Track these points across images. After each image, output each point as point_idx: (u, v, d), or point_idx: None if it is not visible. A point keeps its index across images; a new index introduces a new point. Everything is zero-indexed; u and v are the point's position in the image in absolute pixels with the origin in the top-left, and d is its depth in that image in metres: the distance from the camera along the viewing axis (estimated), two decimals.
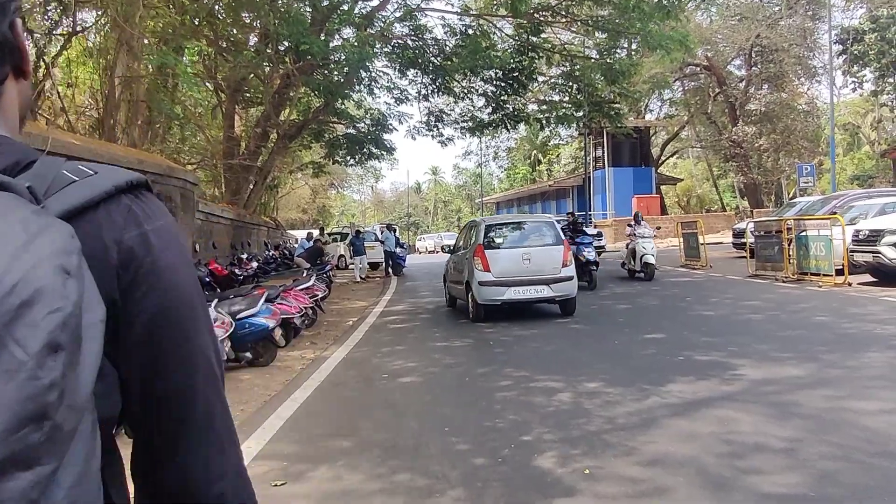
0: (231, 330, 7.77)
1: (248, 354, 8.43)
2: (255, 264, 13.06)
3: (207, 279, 9.78)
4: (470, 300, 11.70)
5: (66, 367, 0.57)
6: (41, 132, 7.96)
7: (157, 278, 0.74)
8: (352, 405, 6.55)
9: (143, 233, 0.74)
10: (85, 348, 0.60)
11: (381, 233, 25.15)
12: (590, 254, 15.06)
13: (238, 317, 8.16)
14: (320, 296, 11.98)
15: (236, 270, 11.65)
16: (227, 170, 23.70)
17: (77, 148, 8.23)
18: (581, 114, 26.87)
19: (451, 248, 14.93)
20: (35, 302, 0.56)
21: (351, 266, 25.63)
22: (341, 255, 30.93)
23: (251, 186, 24.90)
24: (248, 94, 24.75)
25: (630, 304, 12.82)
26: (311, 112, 24.83)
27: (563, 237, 12.30)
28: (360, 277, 21.99)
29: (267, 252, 16.43)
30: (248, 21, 20.87)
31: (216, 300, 7.92)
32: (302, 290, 11.52)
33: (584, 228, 16.80)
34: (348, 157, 30.35)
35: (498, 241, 12.09)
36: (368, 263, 29.06)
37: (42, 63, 11.96)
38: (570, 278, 11.47)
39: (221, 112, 24.09)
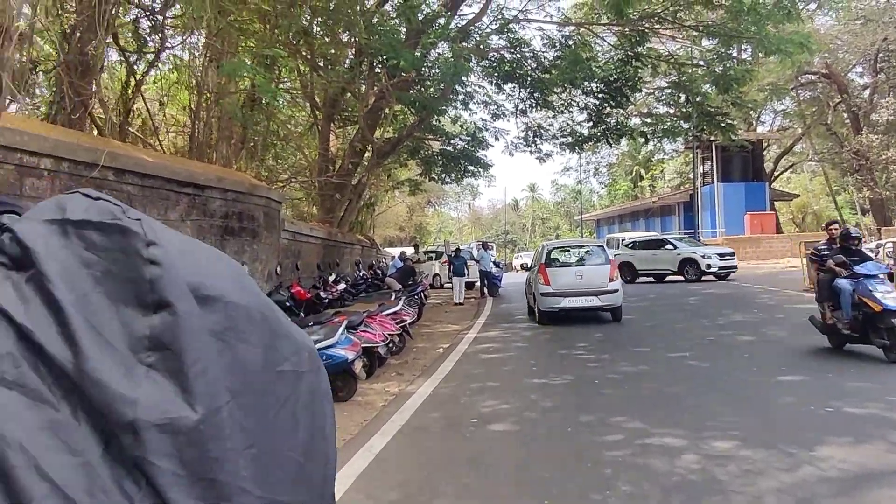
0: None
1: None
2: (342, 286, 12.44)
3: (288, 303, 9.16)
4: (536, 308, 14.58)
5: None
6: (115, 149, 7.56)
7: None
8: (434, 459, 5.63)
9: None
10: None
11: (476, 251, 24.29)
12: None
13: (317, 347, 7.42)
14: (409, 321, 11.19)
15: (321, 293, 11.04)
16: (322, 188, 23.55)
17: (151, 165, 7.78)
18: (689, 125, 25.28)
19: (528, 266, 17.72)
20: None
21: (447, 286, 24.85)
22: (436, 275, 30.30)
23: (345, 205, 24.66)
24: (343, 113, 24.60)
25: (753, 336, 11.36)
26: (406, 129, 24.38)
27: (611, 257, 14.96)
28: (459, 301, 20.81)
29: (357, 272, 15.85)
30: (343, 39, 20.65)
31: None
32: (389, 315, 10.76)
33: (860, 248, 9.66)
34: (444, 175, 29.81)
35: (557, 260, 15.05)
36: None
37: (132, 81, 11.80)
38: (616, 291, 14.00)
39: (317, 130, 23.95)
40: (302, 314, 10.53)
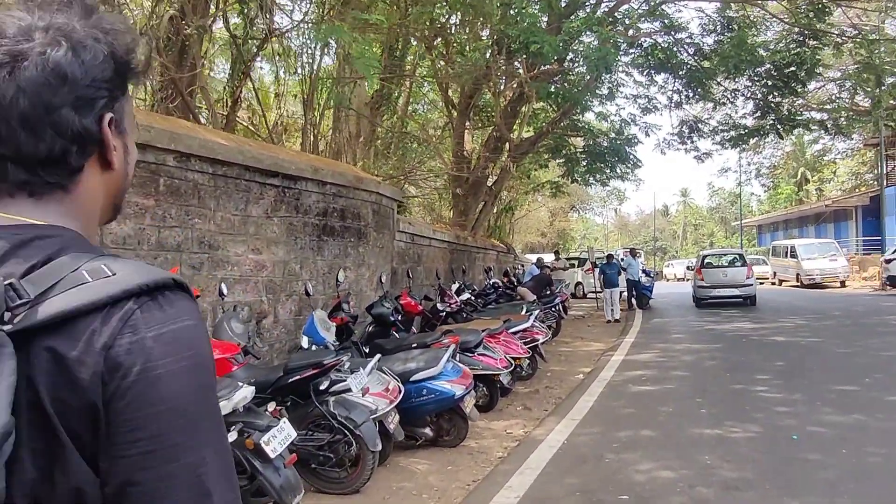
0: (398, 398, 5.40)
1: (428, 431, 6.00)
2: (465, 296, 10.78)
3: (392, 317, 7.59)
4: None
5: None
6: (177, 127, 6.29)
7: (146, 388, 0.72)
8: None
9: (137, 339, 0.73)
10: None
11: (623, 259, 21.92)
12: None
13: (412, 378, 5.77)
14: (541, 340, 9.32)
15: (438, 305, 9.42)
16: (455, 190, 22.13)
17: (225, 149, 6.44)
18: (880, 111, 21.57)
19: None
20: None
21: (595, 297, 22.55)
22: (578, 283, 28.06)
23: (480, 207, 23.09)
24: (480, 111, 23.08)
25: None
26: (547, 124, 22.47)
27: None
28: (613, 318, 17.31)
29: (487, 280, 14.15)
30: (481, 32, 19.16)
31: (378, 356, 5.58)
32: (516, 332, 8.94)
33: None
34: (588, 176, 27.56)
35: (711, 263, 22.30)
36: None
37: (241, 66, 10.74)
38: (751, 285, 21.01)
39: (451, 129, 22.54)
40: (414, 330, 8.94)
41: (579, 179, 28.11)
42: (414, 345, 6.73)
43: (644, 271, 19.83)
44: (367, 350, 7.17)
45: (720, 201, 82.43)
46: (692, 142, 25.47)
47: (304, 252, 7.72)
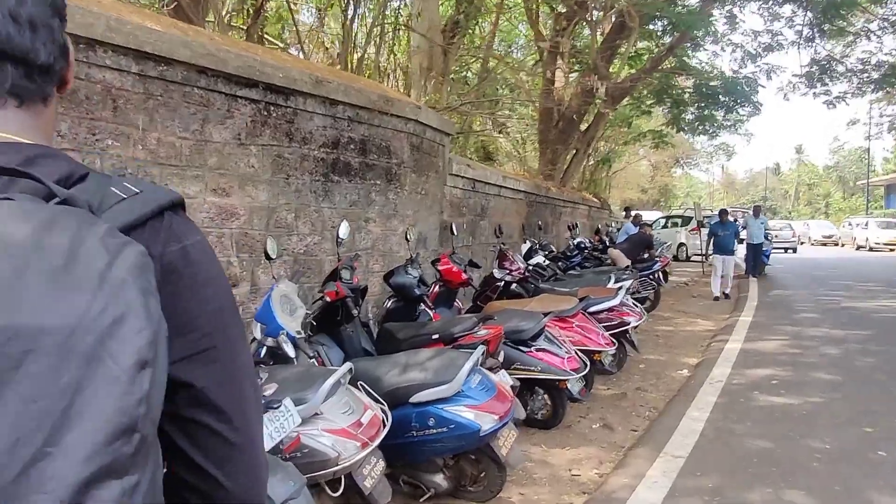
0: (381, 435, 3.25)
1: (441, 480, 3.81)
2: (537, 259, 8.46)
3: (418, 290, 5.40)
4: None
5: (152, 382, 0.62)
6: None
7: (196, 289, 0.79)
8: None
9: (183, 247, 0.79)
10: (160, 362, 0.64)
11: (742, 217, 18.87)
12: None
13: (413, 400, 3.58)
14: (633, 324, 6.91)
15: (495, 272, 7.15)
16: (542, 135, 19.56)
17: (168, 43, 4.34)
18: None
19: None
20: (124, 320, 0.60)
21: (702, 262, 19.58)
22: (681, 245, 25.02)
23: (571, 156, 20.44)
24: (573, 51, 20.27)
25: None
26: (650, 60, 19.43)
27: None
28: (722, 293, 13.53)
29: (571, 240, 11.70)
30: None
31: (347, 367, 3.34)
32: (598, 313, 6.60)
33: None
34: (698, 125, 24.28)
35: None
36: None
37: None
38: None
39: (541, 67, 19.86)
40: (459, 305, 6.70)
41: (686, 128, 24.91)
42: (435, 336, 4.52)
43: (765, 236, 16.71)
44: (374, 340, 5.04)
45: (838, 159, 76.06)
46: (823, 84, 21.93)
47: (303, 196, 5.60)
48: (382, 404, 3.44)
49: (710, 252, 13.90)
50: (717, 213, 15.02)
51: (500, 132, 23.18)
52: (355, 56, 9.48)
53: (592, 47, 18.22)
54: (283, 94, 5.33)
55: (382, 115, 6.40)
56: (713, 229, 13.75)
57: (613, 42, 18.24)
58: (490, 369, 4.33)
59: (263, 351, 3.84)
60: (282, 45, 10.46)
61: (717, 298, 13.33)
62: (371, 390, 3.49)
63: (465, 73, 19.72)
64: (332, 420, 3.13)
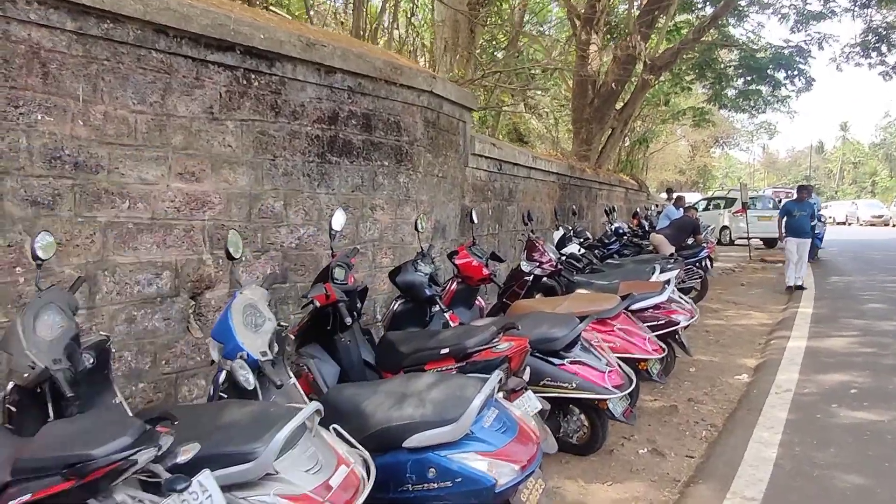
0: (362, 494, 2.42)
1: None
2: (571, 248, 7.55)
3: (428, 290, 4.55)
4: None
5: None
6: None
7: None
8: None
9: None
10: None
11: (787, 198, 17.64)
12: None
13: (409, 445, 2.73)
14: (683, 323, 5.97)
15: (523, 265, 6.27)
16: (576, 114, 18.49)
17: (161, 3, 3.55)
18: None
19: None
20: None
21: (747, 246, 18.31)
22: (724, 227, 23.77)
23: (606, 135, 19.33)
24: (609, 27, 19.10)
25: None
26: (692, 31, 18.17)
27: None
28: (795, 284, 11.66)
29: (608, 225, 10.74)
30: None
31: (312, 407, 2.49)
32: (643, 311, 5.70)
33: None
34: (741, 100, 22.94)
35: None
36: (762, 240, 21.50)
37: None
38: None
39: (575, 43, 18.75)
40: (481, 303, 5.81)
41: (728, 105, 23.58)
42: (444, 350, 3.66)
43: (817, 216, 15.49)
44: (371, 352, 4.22)
45: (885, 136, 73.21)
46: (879, 54, 20.47)
47: (293, 180, 4.77)
48: (364, 453, 2.61)
49: (783, 235, 12.23)
50: (765, 193, 13.85)
51: (531, 112, 22.13)
52: (370, 28, 8.62)
53: (630, 20, 17.12)
54: (266, 60, 4.50)
55: (390, 85, 5.53)
56: (787, 208, 12.19)
57: (651, 14, 17.05)
58: (512, 391, 3.47)
59: (223, 377, 3.03)
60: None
61: (790, 289, 11.60)
62: (347, 436, 2.65)
63: (493, 51, 18.69)
64: (290, 482, 2.30)
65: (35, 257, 2.78)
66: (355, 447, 2.63)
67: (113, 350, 3.66)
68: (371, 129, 5.42)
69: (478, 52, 14.92)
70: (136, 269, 3.83)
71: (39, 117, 3.34)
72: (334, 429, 2.67)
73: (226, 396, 3.02)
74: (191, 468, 2.12)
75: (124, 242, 3.76)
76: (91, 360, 2.94)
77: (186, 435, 2.43)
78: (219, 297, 4.28)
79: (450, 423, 2.68)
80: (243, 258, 4.41)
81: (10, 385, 2.64)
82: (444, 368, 3.61)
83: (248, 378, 2.87)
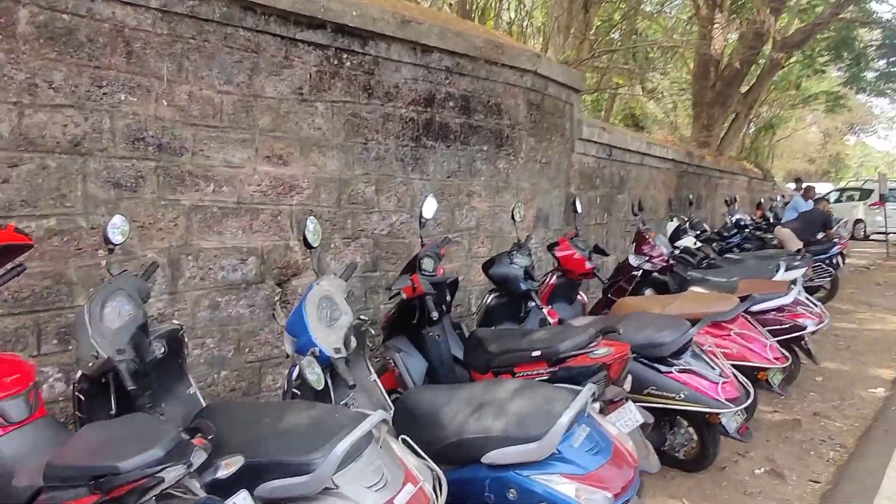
0: None
1: None
2: (686, 241, 7.01)
3: (524, 284, 4.23)
4: None
5: None
6: None
7: None
8: None
9: None
10: None
11: None
12: None
13: (487, 460, 2.44)
14: (810, 329, 5.36)
15: (631, 259, 5.83)
16: (697, 97, 17.49)
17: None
18: None
19: None
20: None
21: (886, 241, 16.71)
22: (858, 221, 21.99)
23: (729, 121, 18.19)
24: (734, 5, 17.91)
25: None
26: (828, 9, 16.76)
27: None
28: None
29: (728, 216, 10.00)
30: None
31: (376, 417, 2.25)
32: (764, 313, 5.15)
33: None
34: (882, 84, 21.11)
35: None
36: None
37: None
38: None
39: (696, 23, 17.72)
40: (582, 298, 5.42)
41: (867, 88, 21.74)
42: (535, 353, 3.34)
43: None
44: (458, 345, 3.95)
45: None
46: None
47: (386, 165, 4.56)
48: (436, 470, 2.35)
49: None
50: None
51: (648, 95, 21.17)
52: (478, 7, 8.32)
53: None
54: (358, 39, 4.30)
55: (491, 65, 5.22)
56: None
57: None
58: (611, 401, 3.12)
59: (295, 372, 2.84)
60: None
61: None
62: (418, 449, 2.40)
63: (608, 32, 17.94)
64: (350, 499, 2.07)
65: (107, 241, 2.68)
66: (427, 462, 2.37)
67: (189, 337, 3.58)
68: (470, 112, 5.14)
69: (592, 32, 14.29)
70: (220, 255, 3.73)
71: (123, 97, 3.26)
72: (403, 440, 2.42)
73: (298, 394, 2.84)
74: (241, 478, 1.93)
75: (208, 227, 3.66)
76: (162, 349, 2.83)
77: (244, 437, 2.27)
78: (305, 284, 4.11)
79: (534, 441, 2.38)
80: (325, 245, 4.25)
81: (79, 373, 2.55)
82: (534, 372, 3.29)
83: (317, 377, 2.66)
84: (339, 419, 2.27)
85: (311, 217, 3.14)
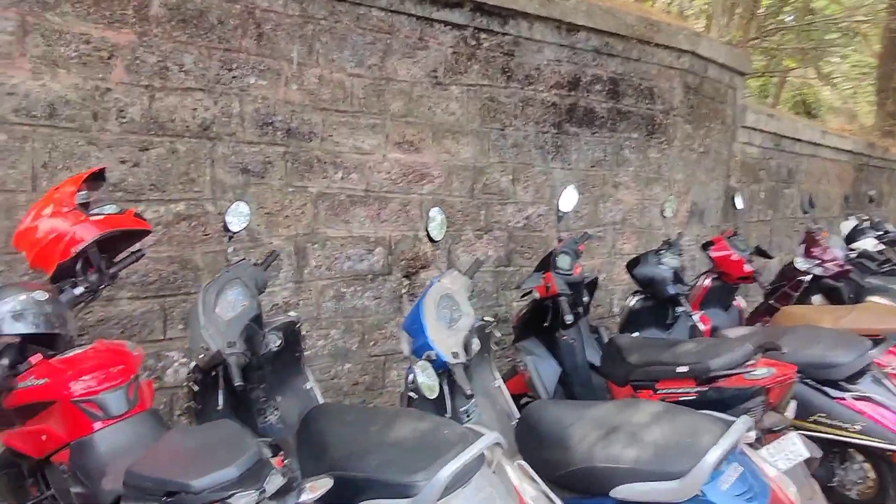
0: None
1: None
2: (864, 244, 6.18)
3: (671, 287, 3.79)
4: None
5: None
6: None
7: None
8: None
9: None
10: None
11: None
12: None
13: (616, 493, 2.11)
14: None
15: (799, 260, 5.16)
16: (882, 83, 15.73)
17: None
18: None
19: None
20: None
21: None
22: None
23: None
24: None
25: None
26: None
27: None
28: None
29: None
30: None
31: (485, 440, 1.98)
32: None
33: None
34: None
35: None
36: None
37: None
38: None
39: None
40: (741, 304, 4.86)
41: None
42: (682, 368, 2.94)
43: None
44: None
45: None
46: None
47: (524, 152, 4.28)
48: (555, 502, 2.05)
49: None
50: None
51: (824, 80, 19.35)
52: None
53: None
54: (498, 17, 4.02)
55: (644, 45, 4.78)
56: None
57: None
58: (769, 431, 2.68)
59: (412, 376, 2.64)
60: None
61: None
62: (536, 476, 2.11)
63: (780, 11, 16.51)
64: None
65: (227, 229, 2.59)
66: (546, 491, 2.08)
67: (314, 328, 3.49)
68: (618, 96, 4.73)
69: (761, 11, 13.19)
70: (347, 244, 3.61)
71: (252, 81, 3.19)
72: (520, 465, 2.15)
73: (416, 397, 2.63)
74: (333, 494, 1.74)
75: (336, 215, 3.55)
76: (278, 342, 2.73)
77: (346, 446, 2.09)
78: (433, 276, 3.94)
79: (674, 478, 2.02)
80: (456, 237, 4.04)
81: (193, 363, 2.48)
82: (678, 391, 2.90)
83: (430, 384, 2.44)
84: (449, 436, 2.03)
85: (437, 208, 2.91)
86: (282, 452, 1.65)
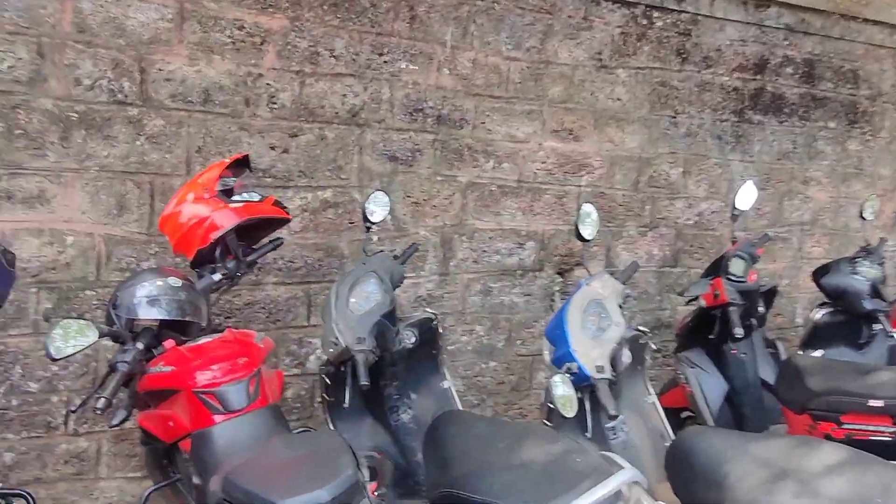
0: None
1: None
2: None
3: (865, 303, 3.25)
4: None
5: None
6: None
7: None
8: None
9: None
10: None
11: None
12: None
13: None
14: None
15: None
16: None
17: None
18: None
19: None
20: None
21: None
22: None
23: None
24: None
25: None
26: None
27: None
28: None
29: None
30: None
31: (631, 477, 1.71)
32: None
33: None
34: None
35: None
36: None
37: None
38: None
39: None
40: None
41: None
42: (877, 402, 2.47)
43: None
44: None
45: None
46: None
47: (698, 142, 3.88)
48: None
49: None
50: None
51: None
52: None
53: None
54: None
55: (848, 20, 4.17)
56: None
57: None
58: None
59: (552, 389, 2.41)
60: None
61: None
62: None
63: None
64: None
65: (365, 219, 2.50)
66: None
67: (458, 322, 3.36)
68: (813, 80, 4.16)
69: None
70: (496, 237, 3.43)
71: (403, 66, 3.08)
72: None
73: (553, 407, 2.41)
74: None
75: (485, 206, 3.38)
76: (413, 339, 2.61)
77: (465, 462, 1.91)
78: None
79: None
80: (617, 234, 3.73)
81: (325, 357, 2.42)
82: (869, 428, 2.45)
83: (566, 401, 2.20)
84: (581, 466, 1.79)
85: (589, 203, 2.65)
86: (378, 478, 1.50)
